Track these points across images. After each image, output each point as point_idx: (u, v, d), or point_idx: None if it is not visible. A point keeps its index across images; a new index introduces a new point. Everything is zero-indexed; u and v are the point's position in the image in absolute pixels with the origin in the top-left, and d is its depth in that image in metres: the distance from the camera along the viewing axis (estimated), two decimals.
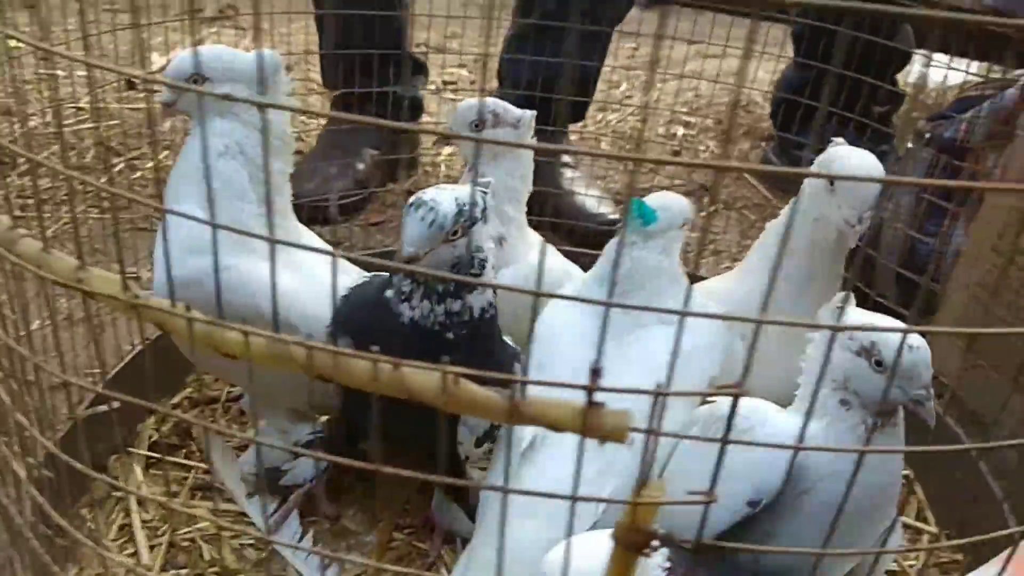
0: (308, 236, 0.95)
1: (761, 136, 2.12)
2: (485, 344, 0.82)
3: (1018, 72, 1.28)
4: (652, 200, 0.90)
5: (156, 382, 1.03)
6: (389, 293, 0.80)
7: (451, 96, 2.21)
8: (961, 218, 1.26)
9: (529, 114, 1.05)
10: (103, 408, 0.87)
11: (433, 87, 2.21)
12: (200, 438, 0.99)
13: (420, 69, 1.80)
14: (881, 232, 1.35)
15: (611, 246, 0.94)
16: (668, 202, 0.90)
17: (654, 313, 0.89)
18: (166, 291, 0.85)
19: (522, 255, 1.06)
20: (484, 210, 0.80)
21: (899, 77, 1.77)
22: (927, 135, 1.32)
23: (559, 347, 0.87)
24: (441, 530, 0.93)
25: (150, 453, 0.98)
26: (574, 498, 0.38)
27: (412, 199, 0.76)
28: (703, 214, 1.83)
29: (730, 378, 0.96)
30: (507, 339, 0.89)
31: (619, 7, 1.61)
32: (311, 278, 0.84)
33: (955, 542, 0.77)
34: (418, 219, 0.75)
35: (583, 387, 0.33)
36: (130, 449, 0.97)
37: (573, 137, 1.84)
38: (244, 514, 0.92)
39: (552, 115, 1.57)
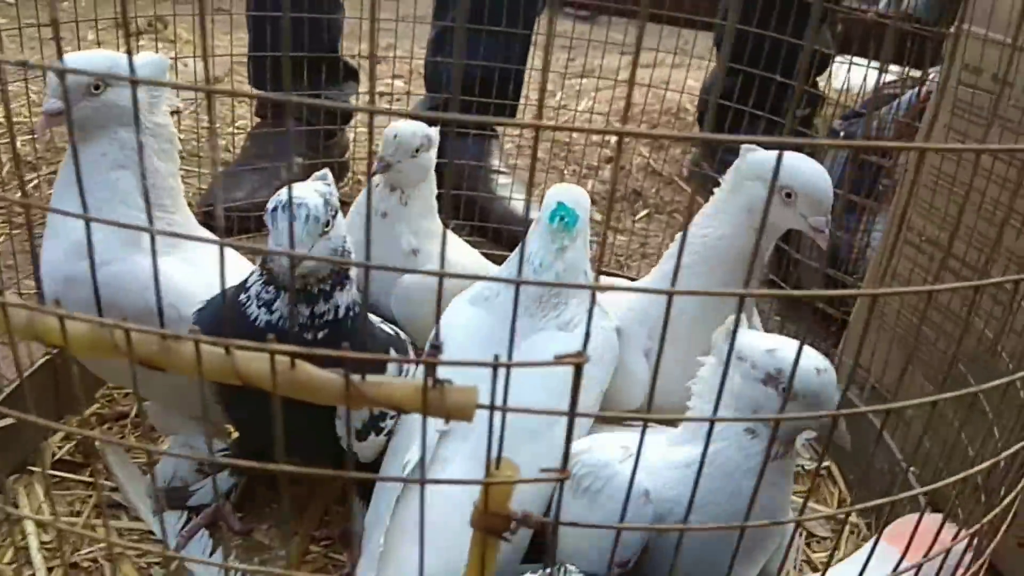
0: (203, 234, 0.92)
1: (693, 143, 2.15)
2: (348, 341, 0.79)
3: (930, 71, 1.32)
4: (559, 197, 0.89)
5: (64, 397, 1.00)
6: (243, 298, 0.76)
7: (385, 105, 2.20)
8: (880, 213, 1.28)
9: (435, 131, 1.05)
10: None
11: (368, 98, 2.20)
12: (107, 456, 0.96)
13: (352, 75, 1.79)
14: (803, 234, 1.38)
15: (538, 249, 0.89)
16: (577, 197, 0.89)
17: (554, 318, 0.88)
18: (57, 295, 0.83)
19: (433, 259, 1.05)
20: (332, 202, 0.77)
21: (819, 80, 1.81)
22: (840, 134, 1.35)
23: (455, 345, 0.86)
24: (358, 540, 0.90)
25: (54, 472, 0.94)
26: (422, 481, 0.37)
27: (271, 204, 0.72)
28: (636, 218, 1.85)
29: (629, 390, 0.95)
30: (389, 328, 0.88)
31: (530, 8, 1.62)
32: (203, 274, 0.81)
33: (857, 506, 0.77)
34: (291, 217, 0.72)
35: (419, 361, 0.32)
36: (31, 468, 0.93)
37: (508, 145, 1.84)
38: (151, 532, 0.89)
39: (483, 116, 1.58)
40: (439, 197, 1.09)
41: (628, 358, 0.94)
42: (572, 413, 0.36)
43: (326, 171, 0.81)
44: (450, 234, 1.15)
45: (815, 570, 0.96)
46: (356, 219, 1.09)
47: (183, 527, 0.89)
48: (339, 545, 0.91)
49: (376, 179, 1.07)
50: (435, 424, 0.80)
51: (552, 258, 0.88)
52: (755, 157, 0.93)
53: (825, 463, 1.13)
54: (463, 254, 1.14)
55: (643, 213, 1.86)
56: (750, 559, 0.73)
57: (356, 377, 0.32)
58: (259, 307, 0.75)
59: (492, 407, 0.34)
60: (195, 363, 0.32)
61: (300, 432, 0.80)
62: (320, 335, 0.76)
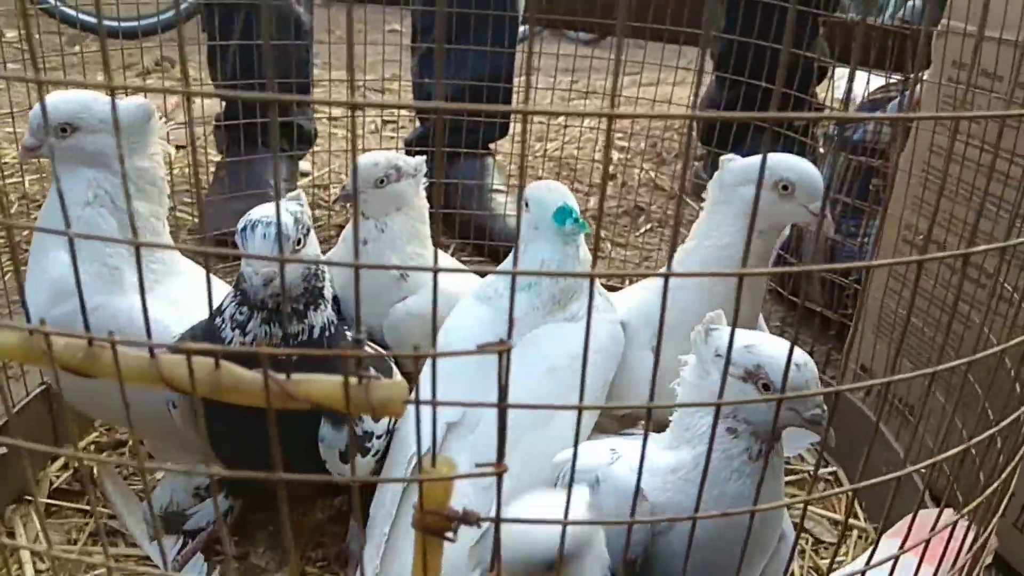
0: (190, 272, 0.92)
1: (695, 157, 2.15)
2: (320, 362, 0.78)
3: (923, 74, 1.31)
4: (556, 199, 0.90)
5: (62, 427, 1.01)
6: (218, 321, 0.77)
7: (389, 134, 2.23)
8: (877, 216, 1.27)
9: (420, 160, 1.06)
10: None
11: (372, 126, 2.23)
12: (105, 483, 0.96)
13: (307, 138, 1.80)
14: (802, 238, 1.37)
15: (552, 254, 0.89)
16: (566, 194, 0.90)
17: (561, 311, 0.89)
18: None
19: (425, 285, 1.06)
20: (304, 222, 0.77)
21: (818, 90, 1.81)
22: (835, 138, 1.34)
23: (461, 343, 0.87)
24: (355, 561, 0.90)
25: (51, 500, 0.95)
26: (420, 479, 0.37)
27: (242, 223, 0.73)
28: (639, 232, 1.85)
29: (634, 387, 0.96)
30: (371, 348, 0.88)
31: (514, 22, 1.63)
32: (188, 312, 0.82)
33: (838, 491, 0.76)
34: (260, 237, 0.72)
35: (339, 354, 0.32)
36: (28, 498, 0.94)
37: (501, 158, 1.84)
38: (147, 558, 0.89)
39: (477, 136, 1.59)
40: (439, 217, 1.10)
41: (633, 356, 0.95)
42: (503, 405, 0.35)
43: (299, 192, 0.81)
44: (442, 256, 1.17)
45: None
46: (343, 247, 1.10)
47: (179, 551, 0.89)
48: (335, 565, 0.91)
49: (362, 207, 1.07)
50: (443, 415, 0.81)
51: (571, 261, 0.89)
52: (738, 165, 0.94)
53: (832, 468, 1.12)
54: (452, 276, 1.14)
55: (646, 228, 1.86)
56: (748, 560, 0.71)
57: (279, 376, 0.32)
58: (233, 329, 0.75)
59: (418, 401, 0.33)
60: (112, 369, 0.32)
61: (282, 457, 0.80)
62: (293, 357, 0.76)
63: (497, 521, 0.36)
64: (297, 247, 0.74)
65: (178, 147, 2.07)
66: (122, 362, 0.32)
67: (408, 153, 1.12)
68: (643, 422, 0.93)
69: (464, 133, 1.55)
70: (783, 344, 0.66)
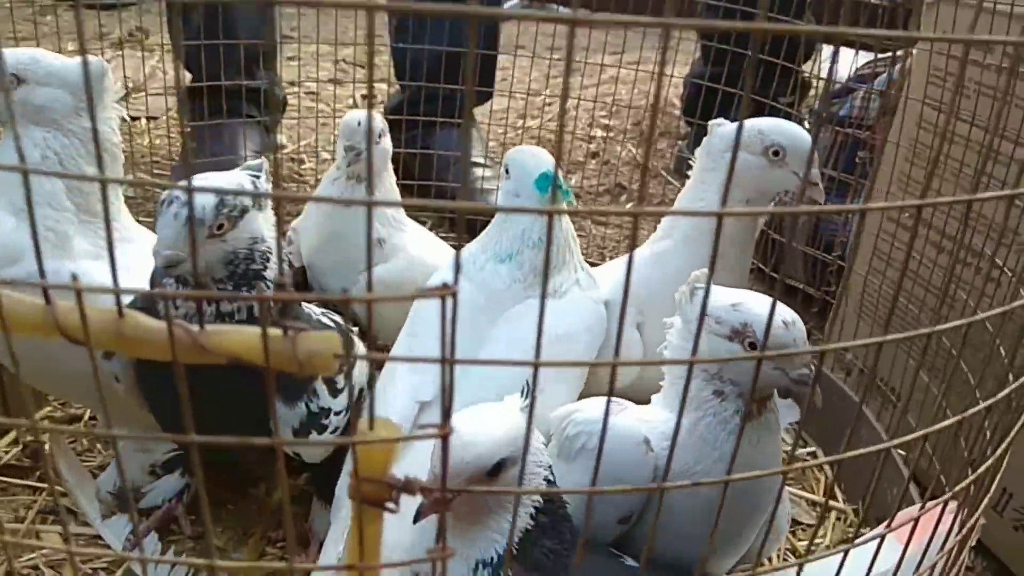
0: (142, 239, 0.87)
1: (678, 136, 2.11)
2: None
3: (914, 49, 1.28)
4: (538, 165, 0.86)
5: (14, 400, 0.97)
6: (155, 291, 0.71)
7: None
8: (863, 192, 1.24)
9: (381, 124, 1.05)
10: None
11: (351, 100, 2.18)
12: (57, 459, 0.92)
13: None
14: (783, 217, 1.34)
15: (533, 222, 0.87)
16: (547, 159, 0.87)
17: (547, 284, 0.86)
18: None
19: (400, 251, 1.03)
20: (259, 196, 0.72)
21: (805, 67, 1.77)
22: (823, 114, 1.31)
23: (438, 316, 0.83)
24: (316, 541, 0.86)
25: None
26: None
27: (164, 195, 0.67)
28: (627, 207, 1.82)
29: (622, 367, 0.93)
30: (330, 320, 0.83)
31: None
32: (139, 279, 0.77)
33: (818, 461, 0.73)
34: (171, 217, 0.65)
35: (254, 298, 0.28)
36: None
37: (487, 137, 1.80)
38: (99, 537, 0.85)
39: (455, 104, 1.54)
40: (409, 189, 1.08)
41: (617, 331, 0.92)
42: (450, 361, 0.32)
43: (261, 161, 0.76)
44: (416, 226, 1.14)
45: (800, 559, 0.92)
46: (316, 213, 1.06)
47: (133, 530, 0.86)
48: (298, 545, 0.87)
49: (335, 172, 1.04)
50: (415, 394, 0.77)
51: (553, 231, 0.86)
52: (728, 130, 0.91)
53: (811, 449, 1.09)
54: (428, 246, 1.11)
55: (629, 206, 1.82)
56: (750, 520, 0.69)
57: (191, 327, 0.29)
58: (165, 302, 0.71)
59: (346, 358, 0.30)
60: (9, 316, 0.29)
61: (229, 432, 0.76)
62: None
63: (443, 492, 0.33)
64: (218, 232, 0.68)
65: (149, 118, 2.03)
66: (11, 309, 0.28)
67: (390, 124, 1.09)
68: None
69: (441, 101, 1.50)
70: (767, 301, 0.63)
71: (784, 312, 0.63)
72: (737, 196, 0.89)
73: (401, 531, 0.69)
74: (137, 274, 0.78)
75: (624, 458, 0.64)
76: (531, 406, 0.61)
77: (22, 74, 0.78)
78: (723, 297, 0.65)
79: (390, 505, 0.33)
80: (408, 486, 0.32)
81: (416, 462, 0.72)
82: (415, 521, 0.61)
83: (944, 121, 0.97)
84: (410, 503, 0.34)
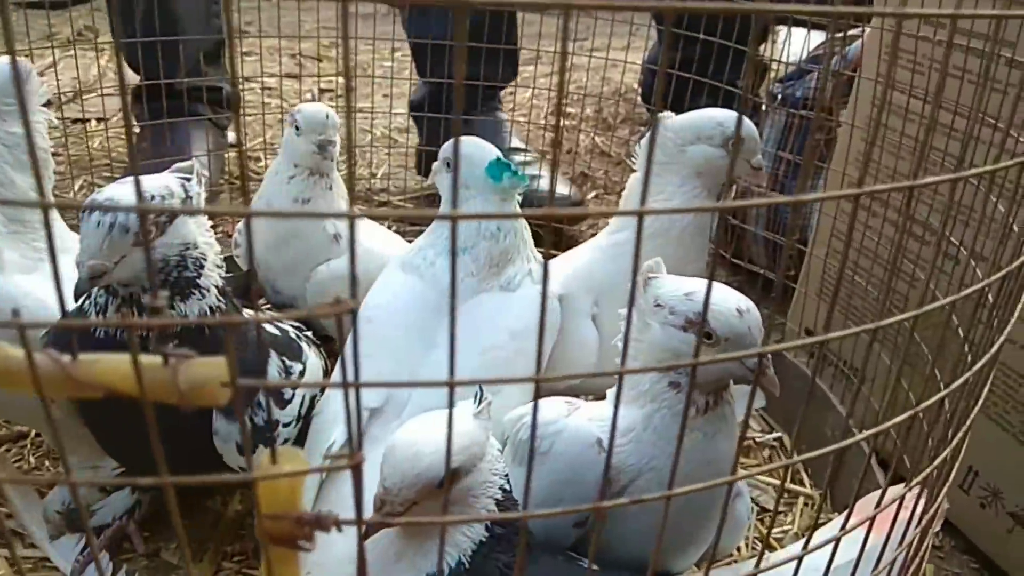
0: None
1: (640, 122, 2.10)
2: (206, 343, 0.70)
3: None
4: (478, 153, 0.84)
5: None
6: (86, 305, 0.69)
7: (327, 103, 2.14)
8: (822, 174, 1.23)
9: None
10: None
11: (310, 95, 2.14)
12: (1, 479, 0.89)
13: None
14: (745, 198, 1.33)
15: (485, 210, 0.85)
16: (494, 149, 0.85)
17: (496, 279, 0.84)
18: None
19: (359, 245, 1.01)
20: (188, 200, 0.68)
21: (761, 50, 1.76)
22: (778, 96, 1.30)
23: (391, 314, 0.81)
24: None
25: None
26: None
27: (87, 202, 0.64)
28: (591, 196, 1.80)
29: (576, 358, 0.91)
30: (277, 328, 0.81)
31: None
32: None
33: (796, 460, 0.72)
34: (93, 225, 0.62)
35: (119, 324, 0.26)
36: None
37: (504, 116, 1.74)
38: (47, 559, 0.82)
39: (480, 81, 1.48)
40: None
41: (575, 324, 0.90)
42: (354, 383, 0.30)
43: (192, 162, 0.73)
44: (368, 221, 1.11)
45: (769, 547, 0.91)
46: (267, 206, 1.03)
47: (83, 551, 0.83)
48: (255, 559, 0.85)
49: (292, 170, 1.01)
50: (364, 400, 0.75)
51: (511, 220, 0.84)
52: (680, 124, 0.90)
53: (777, 434, 1.08)
54: (383, 241, 1.09)
55: (592, 194, 1.81)
56: (707, 517, 0.68)
57: (61, 357, 0.26)
58: (96, 314, 0.68)
59: (236, 384, 0.28)
60: None
61: (172, 453, 0.73)
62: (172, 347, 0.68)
63: (359, 523, 0.31)
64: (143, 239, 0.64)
65: (99, 119, 1.97)
66: None
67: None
68: (585, 396, 0.89)
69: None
70: (726, 291, 0.62)
71: (738, 300, 0.61)
72: (701, 185, 0.90)
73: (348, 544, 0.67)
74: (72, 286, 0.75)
75: (577, 460, 0.63)
76: (486, 411, 0.59)
77: None
78: (676, 286, 0.64)
79: (303, 544, 0.31)
80: (321, 522, 0.30)
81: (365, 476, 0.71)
82: (365, 536, 0.59)
83: (883, 94, 0.96)
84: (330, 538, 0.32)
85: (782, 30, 1.74)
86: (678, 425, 0.62)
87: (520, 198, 0.87)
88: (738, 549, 0.89)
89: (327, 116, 0.97)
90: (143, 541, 0.84)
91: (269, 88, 2.19)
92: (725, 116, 0.89)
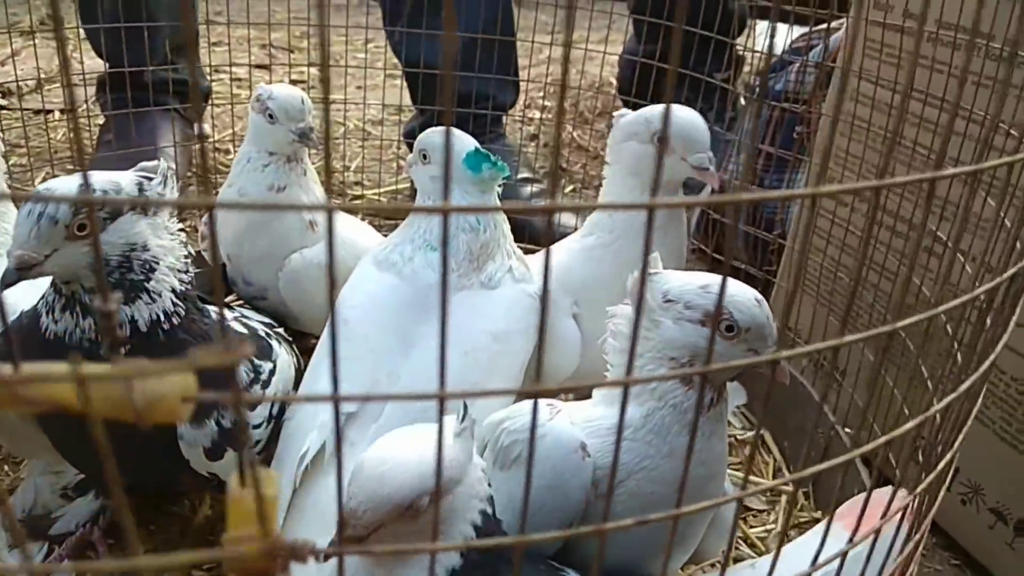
0: None
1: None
2: (165, 359, 0.67)
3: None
4: (457, 146, 0.82)
5: None
6: (40, 305, 0.66)
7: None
8: (801, 167, 1.23)
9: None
10: None
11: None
12: None
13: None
14: (725, 192, 1.32)
15: (466, 203, 0.83)
16: (471, 140, 0.83)
17: (477, 275, 0.82)
18: None
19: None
20: (143, 197, 0.66)
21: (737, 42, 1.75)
22: (756, 89, 1.29)
23: (366, 312, 0.79)
24: None
25: None
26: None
27: (33, 191, 0.63)
28: (568, 190, 1.78)
29: (558, 358, 0.89)
30: (242, 326, 0.78)
31: None
32: (42, 289, 0.71)
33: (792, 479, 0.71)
34: (24, 215, 0.60)
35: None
36: None
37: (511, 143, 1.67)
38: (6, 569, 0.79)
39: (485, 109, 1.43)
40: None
41: (556, 324, 0.88)
42: (338, 396, 0.28)
43: (157, 163, 0.70)
44: (342, 212, 1.08)
45: (752, 547, 0.90)
46: (234, 200, 0.99)
47: (45, 559, 0.79)
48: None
49: (267, 158, 0.97)
50: (341, 405, 0.72)
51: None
52: (624, 120, 0.89)
53: (749, 433, 1.07)
54: (358, 230, 1.07)
55: (569, 189, 1.79)
56: (699, 520, 0.67)
57: (3, 368, 0.24)
58: (47, 315, 0.65)
59: (334, 398, 0.25)
60: None
61: (134, 459, 0.67)
62: (121, 351, 0.65)
63: (340, 554, 0.28)
64: (79, 232, 0.61)
65: (63, 110, 1.92)
66: None
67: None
68: (565, 396, 0.87)
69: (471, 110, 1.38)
70: (738, 282, 0.62)
71: (752, 290, 0.61)
72: (638, 186, 0.87)
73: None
74: (42, 283, 0.72)
75: (560, 465, 0.61)
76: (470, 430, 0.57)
77: None
78: (687, 280, 0.62)
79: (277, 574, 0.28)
80: (297, 552, 0.28)
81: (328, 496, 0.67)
82: (327, 558, 0.56)
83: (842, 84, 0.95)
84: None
85: (760, 23, 1.73)
86: (679, 424, 0.62)
87: (500, 189, 0.85)
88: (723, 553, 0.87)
89: (303, 101, 0.94)
90: (108, 549, 0.81)
91: (239, 79, 2.15)
92: (654, 112, 0.86)
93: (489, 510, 0.56)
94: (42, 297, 0.66)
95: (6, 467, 0.91)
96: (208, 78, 1.72)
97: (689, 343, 0.61)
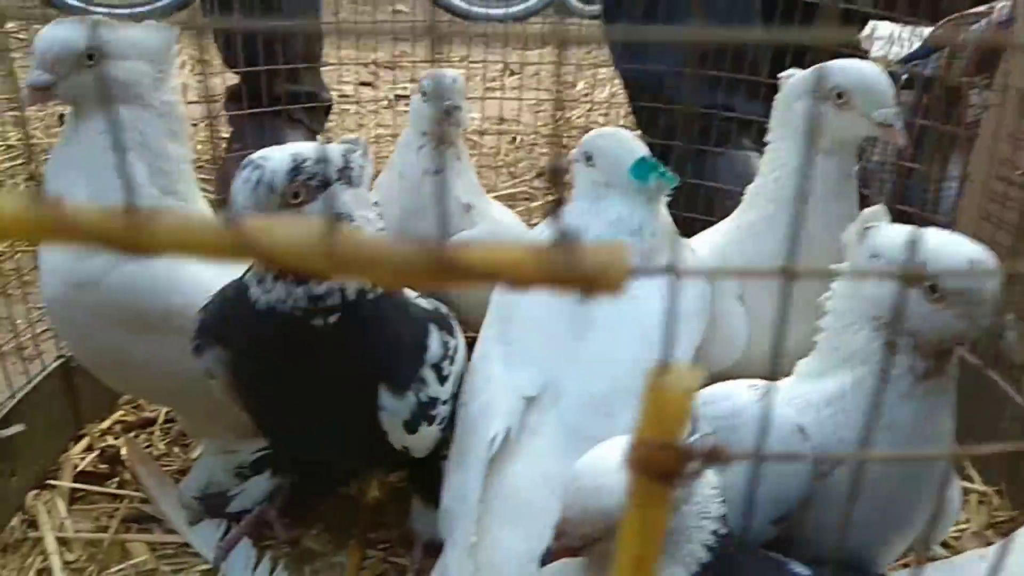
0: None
1: None
2: (371, 329, 0.67)
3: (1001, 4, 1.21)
4: (622, 150, 0.79)
5: (85, 405, 0.91)
6: (248, 276, 0.66)
7: (403, 108, 2.13)
8: (954, 152, 1.17)
9: None
10: (5, 433, 0.73)
11: (386, 101, 2.14)
12: (135, 465, 0.86)
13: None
14: (867, 176, 1.26)
15: (631, 213, 0.79)
16: (641, 145, 0.80)
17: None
18: (62, 301, 0.74)
19: (487, 216, 1.00)
20: (348, 170, 0.65)
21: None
22: (904, 76, 1.24)
23: (524, 303, 0.76)
24: (421, 541, 0.79)
25: (76, 484, 0.84)
26: None
27: (245, 160, 0.62)
28: (552, 199, 1.73)
29: (726, 341, 0.86)
30: (427, 303, 0.77)
31: None
32: (223, 269, 0.71)
33: None
34: (242, 180, 0.60)
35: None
36: (51, 482, 0.84)
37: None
38: (187, 545, 0.79)
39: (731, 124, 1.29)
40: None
41: (722, 308, 0.84)
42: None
43: (360, 138, 0.70)
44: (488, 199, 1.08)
45: (946, 546, 0.84)
46: (395, 181, 0.99)
47: (223, 537, 0.79)
48: (400, 547, 0.80)
49: (421, 139, 0.97)
50: (519, 389, 0.70)
51: (654, 220, 0.78)
52: (795, 79, 0.83)
53: None
54: (507, 213, 1.07)
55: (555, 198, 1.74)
56: (921, 502, 0.61)
57: (432, 242, 0.22)
58: (257, 286, 0.64)
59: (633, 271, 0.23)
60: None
61: (336, 431, 0.69)
62: (330, 319, 0.64)
63: (756, 459, 0.26)
64: (293, 200, 0.61)
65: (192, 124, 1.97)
66: (180, 228, 0.22)
67: None
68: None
69: (714, 122, 1.26)
70: (958, 239, 0.55)
71: (972, 250, 0.55)
72: (815, 148, 0.79)
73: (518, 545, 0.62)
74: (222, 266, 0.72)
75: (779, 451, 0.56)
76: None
77: (104, 48, 0.71)
78: (895, 234, 0.58)
79: (680, 484, 0.26)
80: (714, 455, 0.25)
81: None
82: (542, 564, 0.54)
83: None
84: None
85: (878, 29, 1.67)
86: (896, 392, 0.57)
87: (668, 199, 0.82)
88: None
89: (453, 80, 0.94)
90: (284, 527, 0.80)
91: (345, 95, 2.19)
92: (831, 65, 0.78)
93: (723, 530, 0.52)
94: (248, 268, 0.66)
95: (176, 448, 0.91)
96: (328, 91, 1.75)
97: (891, 302, 0.56)
